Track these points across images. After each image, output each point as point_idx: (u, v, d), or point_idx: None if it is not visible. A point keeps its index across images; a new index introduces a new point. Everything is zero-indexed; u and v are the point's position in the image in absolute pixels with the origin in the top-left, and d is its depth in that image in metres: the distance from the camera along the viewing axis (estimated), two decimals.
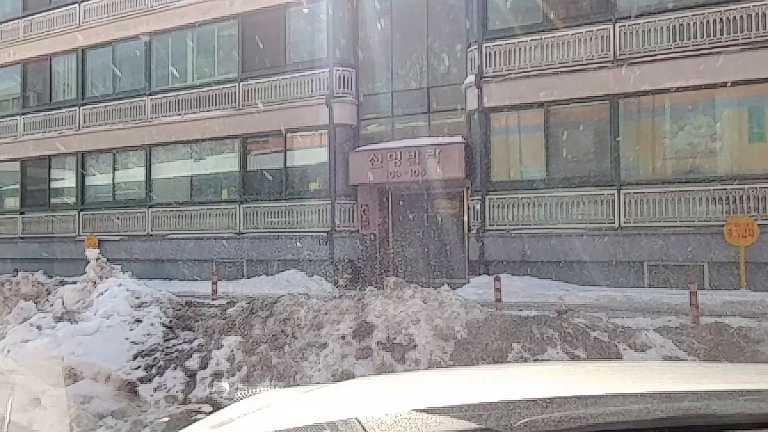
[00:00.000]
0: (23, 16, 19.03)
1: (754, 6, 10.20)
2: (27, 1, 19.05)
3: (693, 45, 10.59)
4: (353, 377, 5.21)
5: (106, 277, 7.85)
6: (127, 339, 6.30)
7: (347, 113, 14.00)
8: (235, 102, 15.13)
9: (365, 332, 5.87)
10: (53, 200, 18.46)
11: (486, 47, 12.26)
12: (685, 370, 1.78)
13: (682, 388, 1.24)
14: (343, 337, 5.88)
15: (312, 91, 14.15)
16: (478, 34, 12.35)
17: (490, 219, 12.15)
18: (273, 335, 6.13)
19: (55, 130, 18.10)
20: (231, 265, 14.88)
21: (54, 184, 18.56)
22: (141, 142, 16.44)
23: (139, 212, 16.48)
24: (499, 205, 12.11)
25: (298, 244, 13.92)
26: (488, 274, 11.53)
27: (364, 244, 14.05)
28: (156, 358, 6.10)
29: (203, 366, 5.92)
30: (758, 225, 9.97)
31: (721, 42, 10.37)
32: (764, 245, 9.93)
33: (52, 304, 8.07)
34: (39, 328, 6.17)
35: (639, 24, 10.99)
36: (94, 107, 17.47)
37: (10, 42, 19.23)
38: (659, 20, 10.83)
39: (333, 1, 13.92)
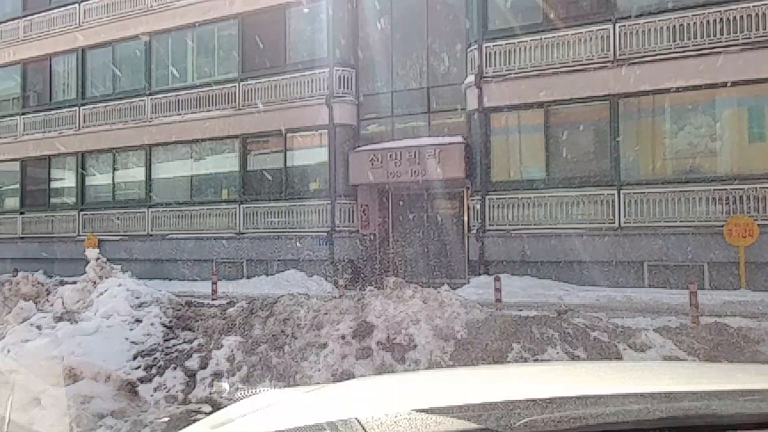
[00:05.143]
0: (23, 16, 19.04)
1: (754, 6, 10.20)
2: (27, 1, 19.05)
3: (693, 45, 10.59)
4: (353, 377, 5.21)
5: (106, 277, 7.85)
6: (127, 339, 6.29)
7: (347, 113, 14.00)
8: (235, 102, 15.13)
9: (365, 332, 5.87)
10: (53, 200, 18.47)
11: (486, 47, 12.26)
12: (685, 370, 1.78)
13: (682, 388, 1.24)
14: (343, 337, 5.88)
15: (312, 91, 14.15)
16: (478, 34, 12.36)
17: (490, 219, 12.15)
18: (273, 335, 6.13)
19: (55, 130, 18.11)
20: (231, 265, 14.88)
21: (54, 184, 18.57)
22: (141, 142, 16.44)
23: (139, 212, 16.48)
24: (499, 205, 12.11)
25: (298, 244, 13.92)
26: (488, 274, 11.53)
27: (364, 244, 14.05)
28: (156, 358, 6.09)
29: (203, 366, 5.91)
30: (758, 225, 9.97)
31: (721, 42, 10.37)
32: (764, 245, 9.93)
33: (52, 304, 8.07)
34: (39, 328, 6.16)
35: (639, 24, 10.99)
36: (94, 107, 17.47)
37: (10, 42, 19.24)
38: (659, 20, 10.83)
39: (333, 1, 13.92)
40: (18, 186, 19.22)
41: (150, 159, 16.52)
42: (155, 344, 6.33)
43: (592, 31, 11.38)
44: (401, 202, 14.15)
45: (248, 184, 15.05)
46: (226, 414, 1.59)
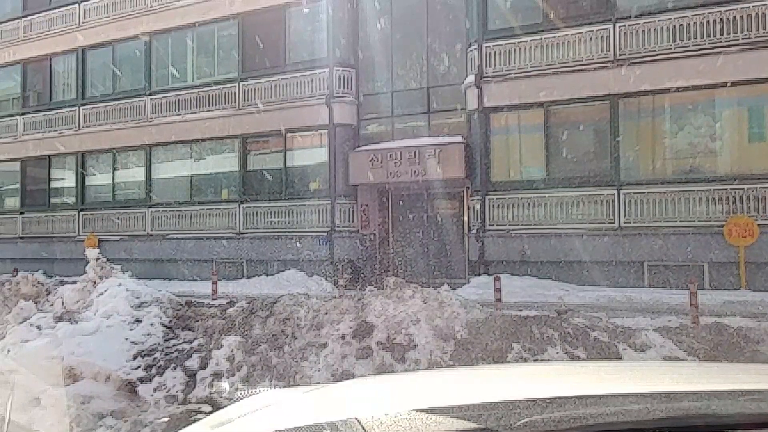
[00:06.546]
0: (23, 16, 19.04)
1: (754, 6, 10.20)
2: (27, 1, 19.05)
3: (693, 45, 10.59)
4: (353, 377, 5.21)
5: (106, 277, 7.84)
6: (127, 339, 6.29)
7: (347, 113, 14.00)
8: (235, 102, 15.13)
9: (365, 332, 5.87)
10: (53, 200, 18.47)
11: (486, 47, 12.26)
12: (685, 370, 1.77)
13: (682, 388, 1.24)
14: (343, 337, 5.88)
15: (312, 91, 14.15)
16: (478, 34, 12.36)
17: (490, 219, 12.15)
18: (273, 335, 6.13)
19: (55, 130, 18.11)
20: (231, 265, 14.88)
21: (54, 184, 18.57)
22: (141, 142, 16.44)
23: (139, 212, 16.48)
24: (499, 205, 12.11)
25: (298, 244, 13.92)
26: (488, 274, 11.53)
27: (364, 244, 14.04)
28: (156, 358, 6.09)
29: (203, 366, 5.91)
30: (758, 225, 9.97)
31: (721, 42, 10.37)
32: (764, 245, 9.93)
33: (52, 304, 8.07)
34: (39, 328, 6.17)
35: (639, 24, 10.99)
36: (94, 107, 17.47)
37: (10, 42, 19.24)
38: (659, 20, 10.83)
39: (333, 1, 13.92)
40: (18, 186, 19.23)
41: (150, 159, 16.52)
42: (155, 344, 6.33)
43: (592, 31, 11.37)
44: (401, 202, 14.15)
45: (248, 184, 15.05)
46: (226, 414, 1.59)
